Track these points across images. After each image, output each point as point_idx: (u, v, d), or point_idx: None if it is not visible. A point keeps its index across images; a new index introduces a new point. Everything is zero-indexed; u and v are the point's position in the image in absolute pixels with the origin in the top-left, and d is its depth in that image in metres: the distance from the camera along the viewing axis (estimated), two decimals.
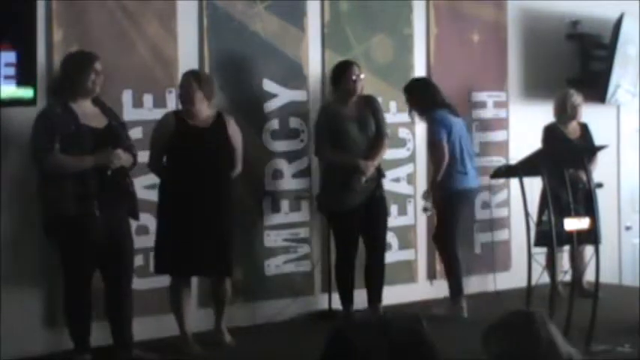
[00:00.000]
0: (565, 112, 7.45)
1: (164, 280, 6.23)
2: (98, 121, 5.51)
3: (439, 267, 7.33)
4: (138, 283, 5.94)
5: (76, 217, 5.34)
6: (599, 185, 7.47)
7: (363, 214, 6.57)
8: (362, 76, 6.64)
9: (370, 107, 6.70)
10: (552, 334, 2.76)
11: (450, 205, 6.91)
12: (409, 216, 7.36)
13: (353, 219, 6.56)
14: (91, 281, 5.50)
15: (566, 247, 6.97)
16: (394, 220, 7.10)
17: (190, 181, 5.82)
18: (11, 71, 5.37)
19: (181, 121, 5.92)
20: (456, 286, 6.94)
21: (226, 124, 6.03)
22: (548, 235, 5.85)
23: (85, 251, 5.38)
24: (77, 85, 5.46)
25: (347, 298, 6.64)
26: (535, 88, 8.17)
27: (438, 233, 7.05)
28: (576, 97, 7.48)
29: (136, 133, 6.03)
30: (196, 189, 5.83)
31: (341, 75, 6.64)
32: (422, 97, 6.95)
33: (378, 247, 6.69)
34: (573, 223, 5.83)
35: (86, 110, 5.49)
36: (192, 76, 5.96)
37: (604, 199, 7.37)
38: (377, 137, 6.67)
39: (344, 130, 6.58)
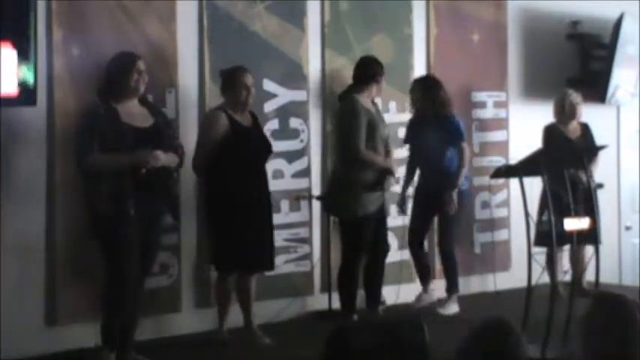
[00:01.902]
0: (564, 112, 7.44)
1: (162, 281, 6.23)
2: (143, 120, 5.49)
3: (438, 267, 7.32)
4: None
5: (112, 216, 5.30)
6: (600, 186, 7.47)
7: (376, 218, 6.48)
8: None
9: (377, 107, 6.62)
10: None
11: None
12: (408, 216, 7.35)
13: (369, 225, 6.41)
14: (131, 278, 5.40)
15: (567, 247, 6.97)
16: (393, 220, 7.09)
17: (243, 179, 5.87)
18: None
19: (232, 119, 5.96)
20: (452, 283, 7.02)
21: (259, 123, 6.18)
22: (548, 235, 5.85)
23: (123, 250, 5.33)
24: (121, 86, 5.46)
25: (351, 307, 6.44)
26: (535, 88, 8.17)
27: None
28: (575, 97, 7.48)
29: None
30: (248, 186, 5.91)
31: (366, 70, 6.51)
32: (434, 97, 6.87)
33: (383, 249, 6.63)
34: (573, 223, 5.83)
35: (132, 110, 5.47)
36: (249, 73, 6.03)
37: (604, 199, 7.38)
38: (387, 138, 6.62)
39: (376, 128, 6.41)
